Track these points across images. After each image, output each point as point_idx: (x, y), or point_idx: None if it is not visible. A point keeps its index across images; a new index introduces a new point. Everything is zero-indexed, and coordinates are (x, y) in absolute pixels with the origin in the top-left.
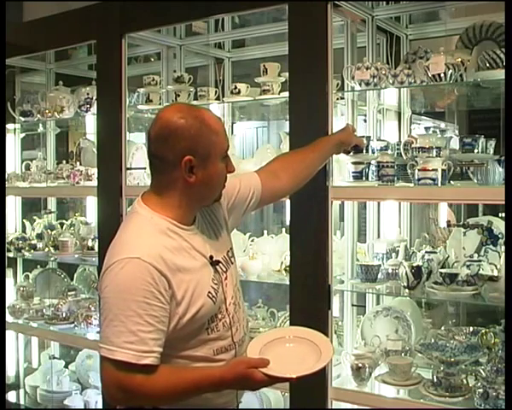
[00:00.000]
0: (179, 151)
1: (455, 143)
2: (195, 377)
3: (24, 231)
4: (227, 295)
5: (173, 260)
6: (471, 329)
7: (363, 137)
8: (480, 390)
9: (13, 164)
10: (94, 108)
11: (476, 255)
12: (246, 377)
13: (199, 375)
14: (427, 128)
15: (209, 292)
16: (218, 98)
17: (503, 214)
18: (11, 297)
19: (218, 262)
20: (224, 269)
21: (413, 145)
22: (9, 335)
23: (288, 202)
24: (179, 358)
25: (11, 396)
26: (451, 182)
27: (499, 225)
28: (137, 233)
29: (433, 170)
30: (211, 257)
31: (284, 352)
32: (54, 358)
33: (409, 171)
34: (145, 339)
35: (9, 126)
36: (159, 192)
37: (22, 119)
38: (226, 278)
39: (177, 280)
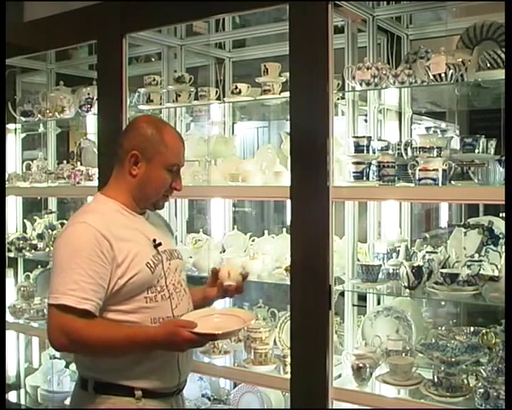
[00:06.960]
0: (132, 144)
1: (455, 143)
2: (131, 331)
3: (25, 231)
4: (167, 274)
5: (117, 231)
6: (472, 329)
7: (364, 137)
8: (481, 390)
9: (13, 164)
10: (95, 108)
11: (477, 255)
12: (174, 334)
13: (134, 329)
14: (427, 128)
15: (147, 263)
16: (218, 98)
17: (504, 214)
18: (12, 297)
19: (159, 244)
20: (168, 257)
21: (414, 145)
22: (10, 335)
23: (288, 202)
24: (119, 322)
25: (12, 396)
26: (452, 182)
27: (500, 225)
28: (90, 209)
29: (433, 170)
30: (154, 240)
31: (213, 323)
32: (54, 358)
33: (409, 171)
34: (85, 288)
35: (10, 126)
36: (115, 178)
37: (23, 119)
38: (170, 264)
39: (118, 246)
